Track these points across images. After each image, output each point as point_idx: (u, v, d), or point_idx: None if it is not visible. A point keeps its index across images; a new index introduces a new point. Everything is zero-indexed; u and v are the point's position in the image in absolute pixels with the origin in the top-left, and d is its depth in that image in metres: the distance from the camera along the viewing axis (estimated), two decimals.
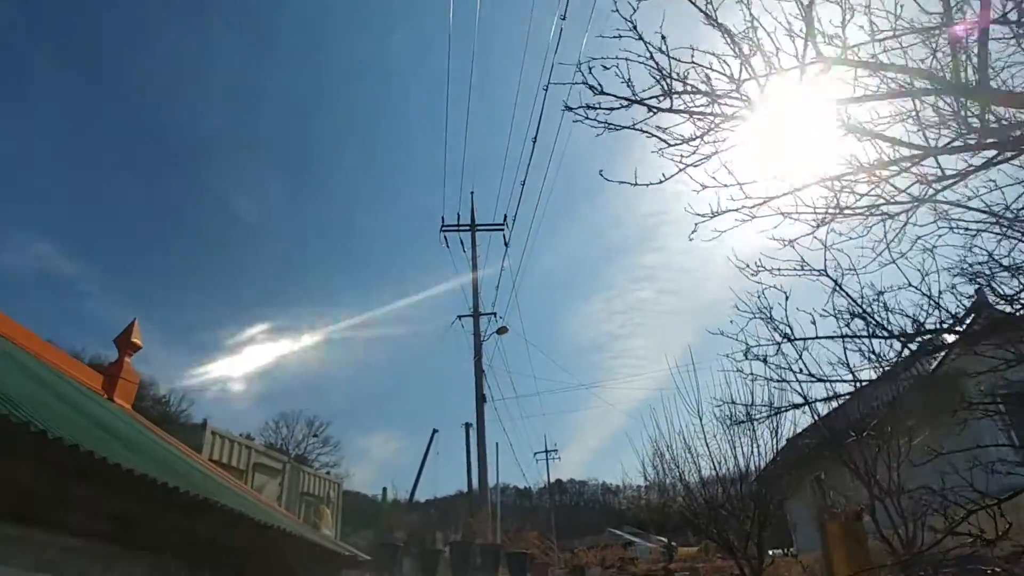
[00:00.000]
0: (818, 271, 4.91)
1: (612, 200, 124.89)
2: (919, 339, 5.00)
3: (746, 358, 5.61)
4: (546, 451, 61.73)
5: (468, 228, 28.89)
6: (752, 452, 10.33)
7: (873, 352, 5.29)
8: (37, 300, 77.53)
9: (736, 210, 4.48)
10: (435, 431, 49.70)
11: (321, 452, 75.86)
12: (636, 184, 4.61)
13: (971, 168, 4.72)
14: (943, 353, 5.16)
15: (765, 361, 5.36)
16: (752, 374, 5.65)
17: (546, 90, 13.02)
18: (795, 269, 4.87)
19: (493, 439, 48.79)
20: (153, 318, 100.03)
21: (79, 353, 66.91)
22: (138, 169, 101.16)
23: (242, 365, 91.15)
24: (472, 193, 29.67)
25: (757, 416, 5.93)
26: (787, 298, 5.55)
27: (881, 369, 5.13)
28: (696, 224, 4.65)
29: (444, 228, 29.10)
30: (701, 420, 10.92)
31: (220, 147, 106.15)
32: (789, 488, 10.86)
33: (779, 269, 4.83)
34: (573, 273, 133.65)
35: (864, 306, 5.11)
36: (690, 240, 4.80)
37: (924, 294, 5.12)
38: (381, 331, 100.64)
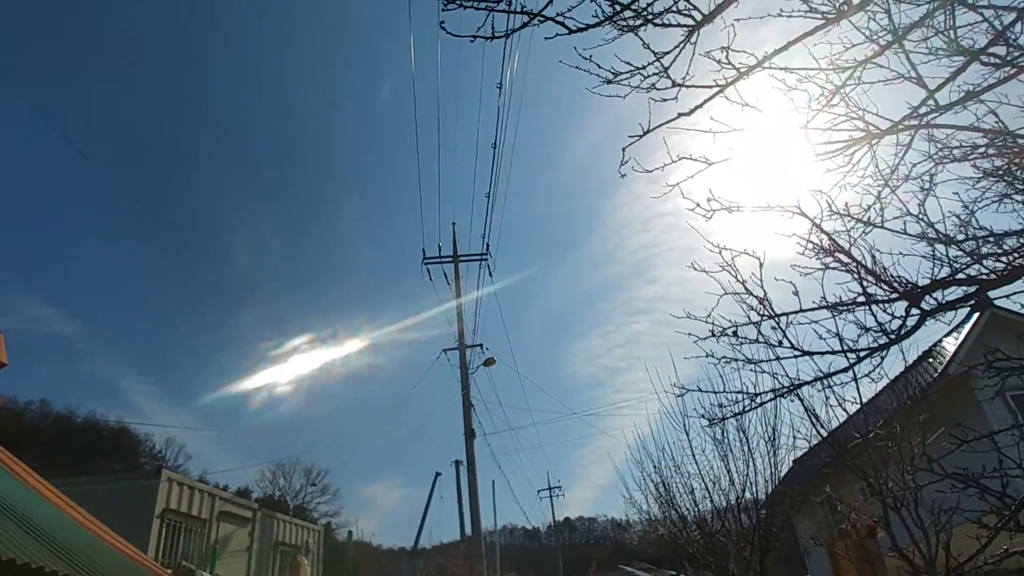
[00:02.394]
0: (790, 208, 3.84)
1: (605, 238, 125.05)
2: (933, 295, 3.90)
3: (713, 336, 4.52)
4: (549, 488, 59.77)
5: (451, 260, 28.04)
6: (748, 468, 9.15)
7: (876, 320, 4.21)
8: (38, 361, 77.88)
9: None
10: (438, 474, 48.14)
11: (320, 501, 74.11)
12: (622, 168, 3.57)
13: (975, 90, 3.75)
14: (966, 311, 4.02)
15: (736, 335, 4.25)
16: (724, 358, 4.53)
17: (499, 87, 12.06)
18: (760, 207, 3.81)
19: (489, 477, 47.18)
20: (151, 371, 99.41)
21: (74, 410, 66.48)
22: (138, 235, 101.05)
23: (239, 413, 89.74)
24: (454, 224, 28.92)
25: (735, 410, 4.79)
26: (761, 265, 4.49)
27: (887, 337, 4.01)
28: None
29: (426, 260, 28.21)
30: (688, 435, 9.80)
31: (216, 199, 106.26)
32: (794, 507, 9.60)
33: (738, 206, 3.76)
34: (569, 312, 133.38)
35: (855, 259, 4.04)
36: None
37: (929, 239, 4.06)
38: (371, 373, 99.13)
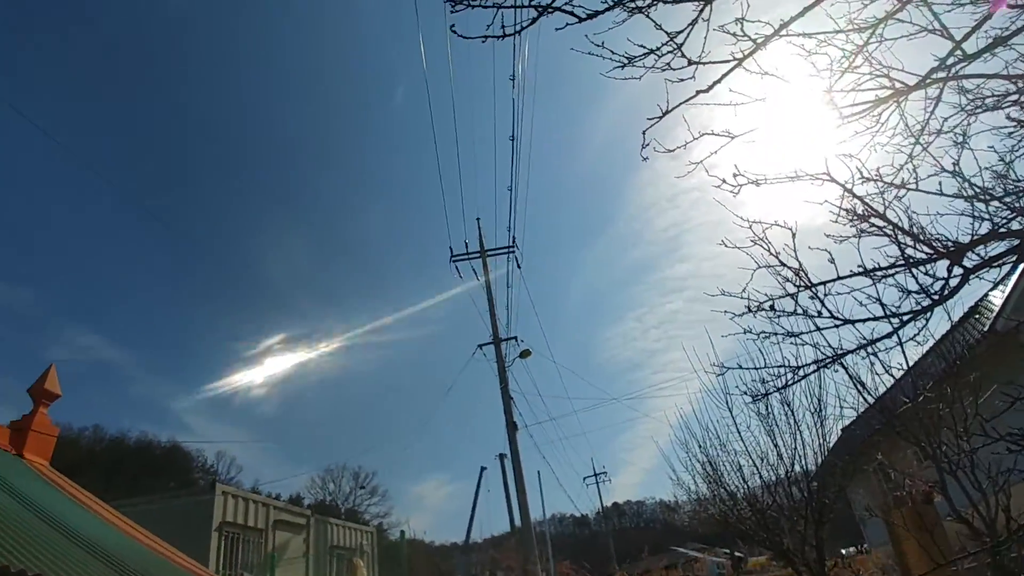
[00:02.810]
0: (820, 175, 3.76)
1: (632, 219, 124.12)
2: (975, 252, 3.79)
3: (750, 312, 4.45)
4: (595, 475, 59.73)
5: (478, 255, 28.08)
6: (795, 441, 9.02)
7: (917, 283, 4.11)
8: (89, 388, 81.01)
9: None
10: (483, 469, 48.53)
11: (370, 503, 75.14)
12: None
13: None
14: (1009, 266, 3.90)
15: (772, 308, 4.18)
16: (763, 333, 4.46)
17: (512, 80, 12.01)
18: (788, 176, 3.73)
19: (533, 468, 47.42)
20: (197, 390, 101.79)
21: (126, 433, 68.77)
22: (175, 258, 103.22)
23: (283, 424, 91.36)
24: (478, 220, 28.94)
25: (777, 384, 4.71)
26: (794, 236, 4.41)
27: (930, 299, 3.92)
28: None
29: (454, 258, 28.32)
30: (731, 412, 9.68)
31: (247, 217, 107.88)
32: (846, 477, 9.44)
33: (765, 178, 3.69)
34: (602, 297, 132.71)
35: (891, 221, 3.94)
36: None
37: (966, 195, 3.94)
38: (408, 375, 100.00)
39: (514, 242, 26.56)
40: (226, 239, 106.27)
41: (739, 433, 9.62)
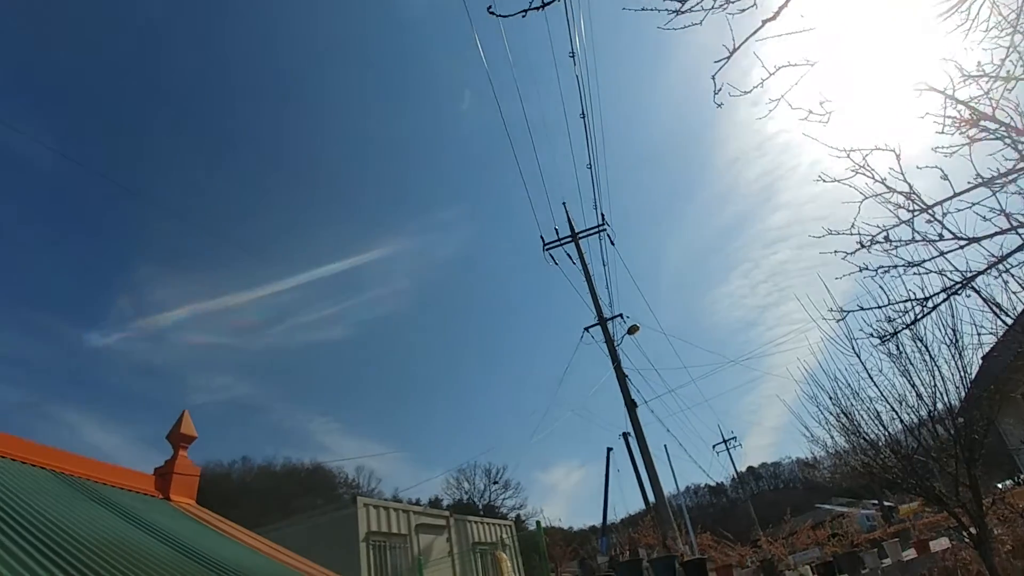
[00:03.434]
0: (916, 87, 3.46)
1: (720, 174, 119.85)
2: None
3: (862, 247, 4.16)
4: (724, 441, 58.29)
5: (570, 239, 27.97)
6: (933, 378, 8.42)
7: None
8: (232, 424, 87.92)
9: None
10: (609, 450, 48.32)
11: (505, 497, 76.76)
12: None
13: None
14: None
15: (887, 239, 3.89)
16: (880, 268, 4.16)
17: (572, 56, 11.84)
18: (881, 95, 3.46)
19: (659, 442, 46.92)
20: (330, 411, 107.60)
21: (271, 460, 73.90)
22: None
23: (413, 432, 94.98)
24: (564, 204, 28.77)
25: (906, 320, 4.38)
26: (898, 157, 4.09)
27: None
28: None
29: (547, 246, 28.33)
30: (859, 357, 9.14)
31: (347, 239, 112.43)
32: (994, 408, 8.72)
33: (855, 101, 3.43)
34: (702, 260, 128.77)
35: (1002, 122, 3.56)
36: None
37: None
38: (524, 369, 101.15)
39: (603, 219, 26.32)
40: (326, 260, 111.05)
41: (871, 378, 9.09)
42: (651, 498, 25.98)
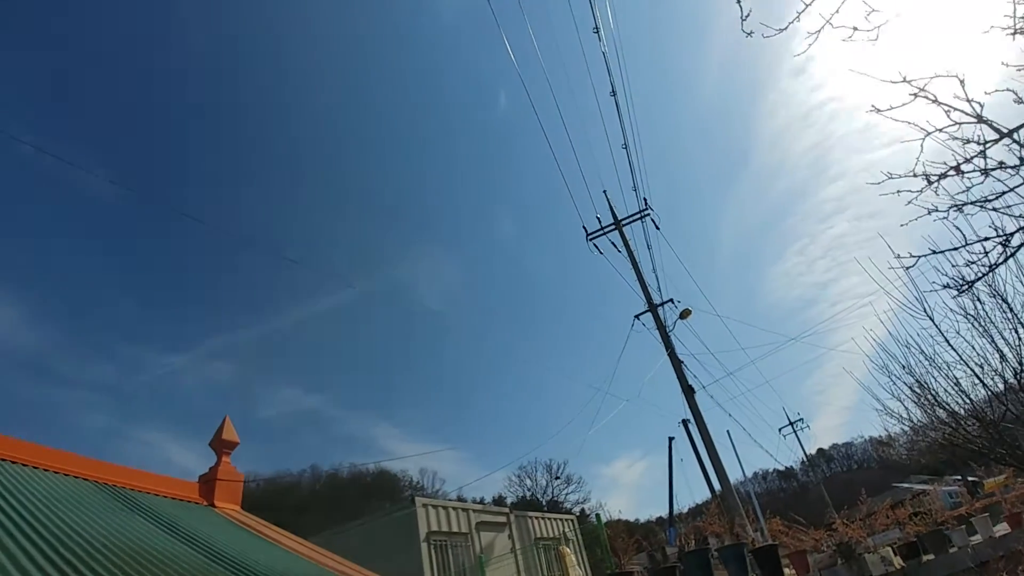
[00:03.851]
0: None
1: (768, 149, 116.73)
2: None
3: (929, 184, 3.67)
4: (790, 423, 56.55)
5: (613, 227, 27.47)
6: (1018, 336, 7.71)
7: None
8: (300, 434, 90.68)
9: None
10: (671, 439, 47.49)
11: (568, 492, 76.45)
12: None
13: None
14: None
15: (959, 170, 3.40)
16: (953, 206, 3.66)
17: (596, 32, 11.40)
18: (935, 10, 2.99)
19: (721, 427, 45.72)
20: (391, 416, 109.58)
21: (338, 467, 75.76)
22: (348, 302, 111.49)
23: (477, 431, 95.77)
24: (605, 192, 28.23)
25: (983, 266, 3.85)
26: (962, 82, 3.60)
27: None
28: None
29: (590, 236, 27.90)
30: (932, 319, 8.46)
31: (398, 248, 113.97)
32: None
33: (905, 11, 2.98)
34: (754, 239, 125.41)
35: None
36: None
37: None
38: (577, 364, 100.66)
39: (646, 204, 25.76)
40: (370, 270, 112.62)
41: (947, 342, 8.39)
42: (716, 485, 25.30)
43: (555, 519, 22.76)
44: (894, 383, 9.74)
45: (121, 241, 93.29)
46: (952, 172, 3.43)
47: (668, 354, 24.68)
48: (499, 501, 69.89)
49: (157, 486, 5.49)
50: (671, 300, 25.73)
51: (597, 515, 26.65)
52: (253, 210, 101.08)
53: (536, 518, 21.55)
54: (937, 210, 3.63)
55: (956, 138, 3.79)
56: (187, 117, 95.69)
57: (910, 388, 9.53)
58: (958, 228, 3.69)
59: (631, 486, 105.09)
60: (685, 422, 30.05)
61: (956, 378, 8.57)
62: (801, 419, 56.81)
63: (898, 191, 3.63)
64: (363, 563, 15.81)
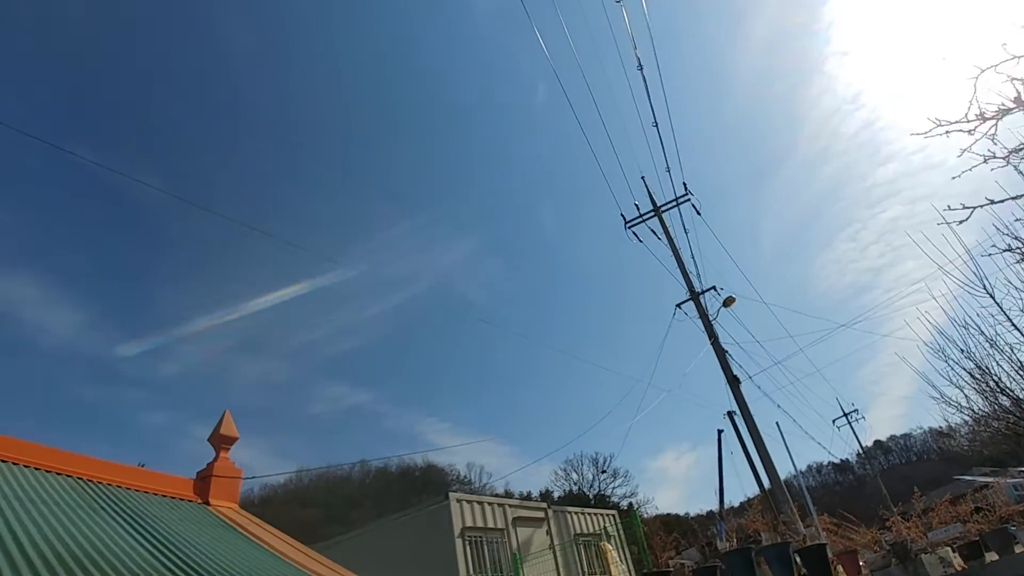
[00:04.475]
0: None
1: (815, 133, 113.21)
2: None
3: (982, 121, 3.09)
4: (844, 415, 54.50)
5: (652, 214, 26.72)
6: None
7: None
8: (350, 430, 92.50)
9: None
10: (720, 431, 46.31)
11: (615, 486, 75.56)
12: None
13: None
14: None
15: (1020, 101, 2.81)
16: (1016, 151, 3.07)
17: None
18: None
19: (770, 419, 44.39)
20: (438, 411, 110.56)
21: (387, 462, 76.98)
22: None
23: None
24: (643, 178, 27.46)
25: None
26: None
27: None
28: None
29: (628, 224, 27.22)
30: (993, 297, 7.68)
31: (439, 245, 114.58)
32: None
33: None
34: (802, 225, 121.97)
35: None
36: None
37: None
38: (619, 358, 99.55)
39: (686, 188, 24.99)
40: (416, 268, 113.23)
41: (1009, 321, 7.60)
42: (764, 479, 24.38)
43: (595, 514, 22.21)
44: (952, 369, 8.97)
45: (177, 245, 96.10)
46: (1014, 105, 2.84)
47: (712, 343, 23.90)
48: (546, 495, 69.52)
49: (149, 484, 5.24)
50: (713, 287, 24.99)
51: (630, 504, 26.09)
52: (316, 217, 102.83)
53: (575, 513, 21.04)
54: (995, 157, 3.04)
55: (1015, 79, 3.21)
56: (291, 134, 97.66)
57: (970, 374, 8.76)
58: (1020, 173, 3.09)
59: (680, 479, 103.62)
60: (730, 413, 29.12)
61: (1021, 361, 7.80)
62: (856, 410, 54.66)
63: (947, 133, 3.04)
64: (399, 558, 15.61)
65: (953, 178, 3.65)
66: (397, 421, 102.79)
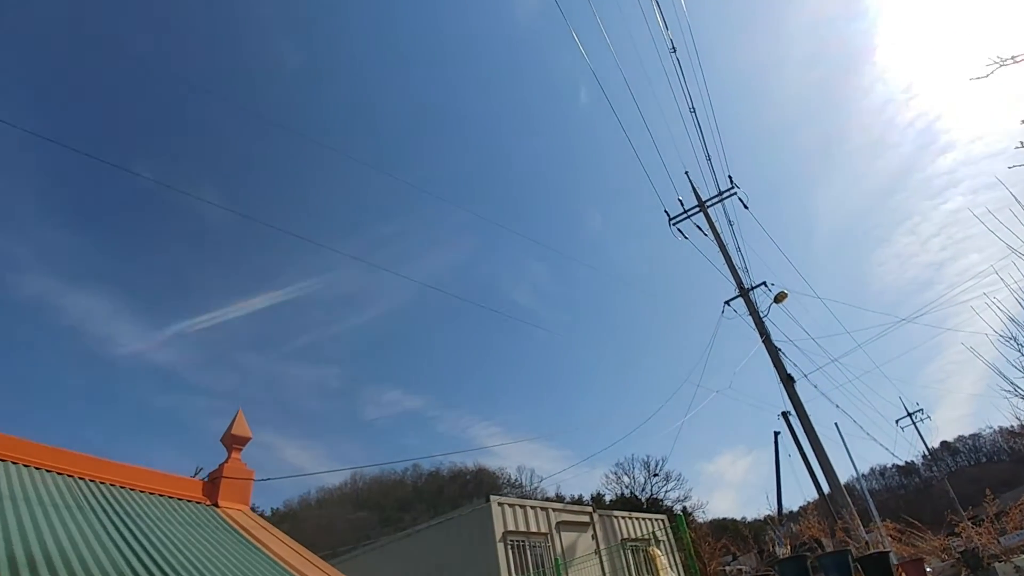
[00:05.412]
0: None
1: (868, 124, 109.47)
2: None
3: None
4: (908, 414, 52.17)
5: (697, 209, 25.98)
6: None
7: None
8: (404, 434, 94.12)
9: None
10: (777, 433, 44.87)
11: (668, 489, 74.15)
12: None
13: None
14: None
15: None
16: None
17: None
18: None
19: (828, 419, 42.74)
20: (490, 416, 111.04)
21: (439, 466, 77.90)
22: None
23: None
24: (687, 173, 26.71)
25: None
26: None
27: None
28: None
29: (673, 220, 26.54)
30: None
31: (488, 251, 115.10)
32: None
33: None
34: (858, 219, 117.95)
35: None
36: None
37: None
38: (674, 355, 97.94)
39: (731, 182, 24.21)
40: (471, 275, 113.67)
41: None
42: (822, 482, 23.32)
43: (644, 519, 21.54)
44: (1022, 357, 8.21)
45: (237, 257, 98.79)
46: None
47: (763, 341, 23.06)
48: (597, 499, 68.59)
49: (155, 485, 5.03)
50: (764, 283, 24.16)
51: (674, 511, 25.24)
52: (363, 224, 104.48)
53: (622, 517, 20.43)
54: None
55: None
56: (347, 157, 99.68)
57: None
58: None
59: (736, 483, 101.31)
60: (785, 414, 28.04)
61: None
62: (920, 409, 52.24)
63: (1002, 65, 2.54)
64: (441, 562, 15.33)
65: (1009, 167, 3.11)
66: (449, 424, 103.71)
